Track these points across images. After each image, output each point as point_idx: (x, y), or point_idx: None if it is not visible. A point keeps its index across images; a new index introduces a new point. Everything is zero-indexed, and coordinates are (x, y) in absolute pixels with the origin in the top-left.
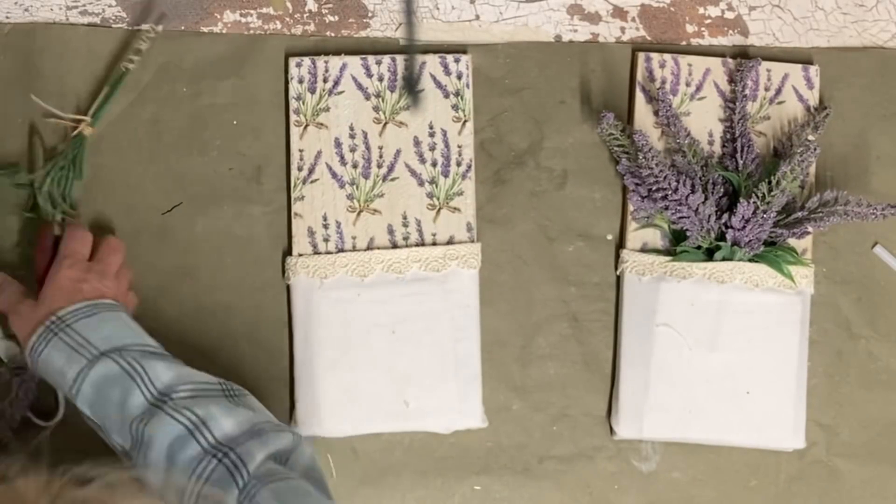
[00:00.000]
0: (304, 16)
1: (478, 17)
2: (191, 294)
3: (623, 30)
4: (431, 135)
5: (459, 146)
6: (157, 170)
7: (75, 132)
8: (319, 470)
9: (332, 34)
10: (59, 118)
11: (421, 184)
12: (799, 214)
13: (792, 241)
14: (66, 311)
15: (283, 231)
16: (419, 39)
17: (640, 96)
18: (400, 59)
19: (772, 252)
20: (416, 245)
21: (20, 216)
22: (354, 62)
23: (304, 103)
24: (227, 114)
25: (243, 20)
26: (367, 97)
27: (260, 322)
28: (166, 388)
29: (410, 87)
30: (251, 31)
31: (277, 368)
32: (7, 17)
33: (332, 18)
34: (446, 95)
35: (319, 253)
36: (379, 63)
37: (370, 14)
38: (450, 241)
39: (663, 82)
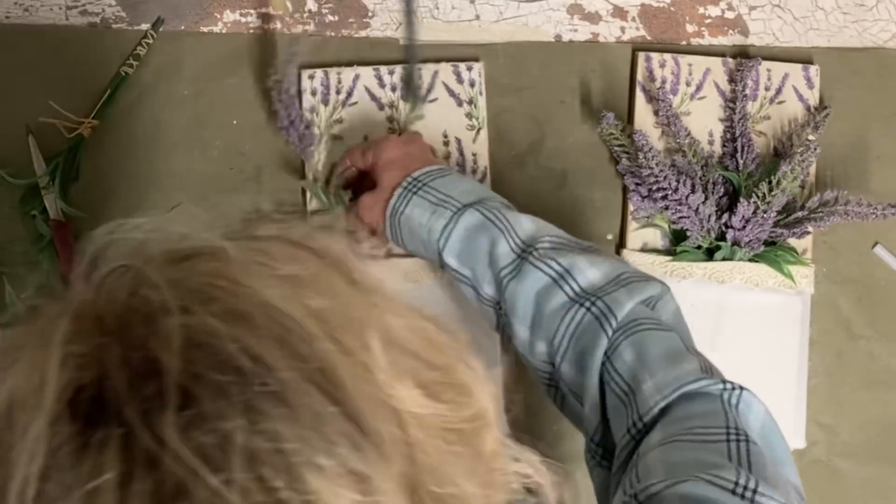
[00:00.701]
0: (304, 16)
1: (478, 17)
2: None
3: (623, 29)
4: (446, 143)
5: (474, 154)
6: (157, 170)
7: (74, 133)
8: (683, 319)
9: (333, 34)
10: (68, 121)
11: None
12: (799, 214)
13: (792, 241)
14: (420, 171)
15: None
16: (419, 39)
17: (640, 96)
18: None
19: (772, 252)
20: None
21: (23, 215)
22: (367, 73)
23: (317, 115)
24: (227, 114)
25: (243, 20)
26: (381, 107)
27: None
28: (529, 239)
29: (411, 87)
30: (251, 31)
31: None
32: (7, 17)
33: (332, 18)
34: (459, 104)
35: None
36: (391, 73)
37: (370, 14)
38: None
39: (663, 82)
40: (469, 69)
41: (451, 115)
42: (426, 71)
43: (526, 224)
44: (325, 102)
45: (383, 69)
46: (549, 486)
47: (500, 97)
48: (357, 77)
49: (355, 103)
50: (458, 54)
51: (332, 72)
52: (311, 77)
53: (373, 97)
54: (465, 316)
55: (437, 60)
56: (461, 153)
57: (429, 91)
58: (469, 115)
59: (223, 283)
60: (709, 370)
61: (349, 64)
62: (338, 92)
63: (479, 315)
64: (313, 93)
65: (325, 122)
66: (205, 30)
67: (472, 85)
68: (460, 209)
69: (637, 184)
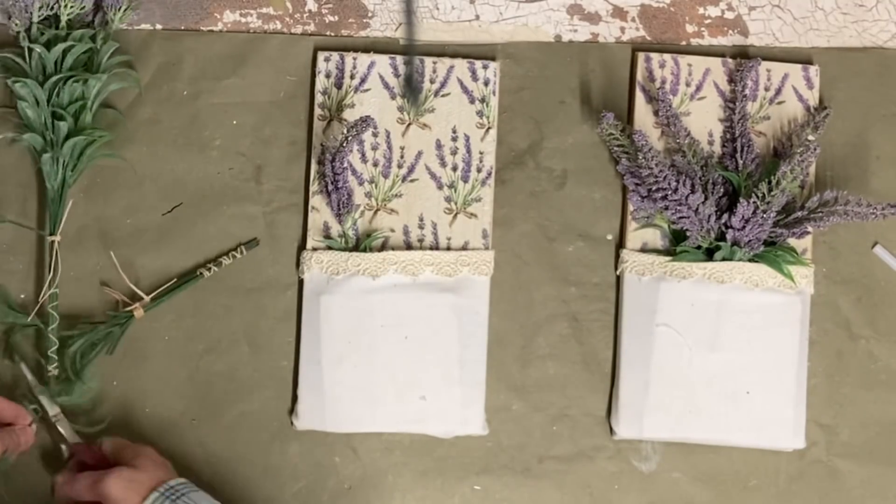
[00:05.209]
0: (304, 16)
1: (478, 17)
2: (190, 294)
3: (623, 30)
4: (454, 139)
5: (481, 152)
6: (157, 170)
7: (127, 308)
8: None
9: (332, 34)
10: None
11: (440, 187)
12: (799, 214)
13: (792, 241)
14: (176, 481)
15: (283, 231)
16: (419, 39)
17: (640, 96)
18: (429, 60)
19: (772, 252)
20: (431, 248)
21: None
22: (383, 61)
23: (329, 98)
24: (227, 114)
25: (243, 20)
26: (393, 97)
27: (259, 322)
28: None
29: (410, 86)
30: (251, 31)
31: (277, 368)
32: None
33: (332, 18)
34: (472, 101)
35: (333, 249)
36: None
37: (370, 14)
38: (464, 247)
39: (663, 82)
40: (485, 68)
41: (462, 112)
42: (441, 65)
43: None
44: (339, 86)
45: (399, 59)
46: None
47: (501, 97)
48: (373, 64)
49: (368, 90)
50: (475, 52)
51: (349, 56)
52: (327, 59)
53: (386, 85)
54: (457, 313)
55: (454, 56)
56: (468, 150)
57: (442, 86)
58: (480, 114)
59: None
60: None
61: (366, 50)
62: (352, 77)
63: (469, 318)
64: (327, 75)
65: (336, 105)
66: (205, 30)
67: (486, 84)
68: None
69: (637, 184)
